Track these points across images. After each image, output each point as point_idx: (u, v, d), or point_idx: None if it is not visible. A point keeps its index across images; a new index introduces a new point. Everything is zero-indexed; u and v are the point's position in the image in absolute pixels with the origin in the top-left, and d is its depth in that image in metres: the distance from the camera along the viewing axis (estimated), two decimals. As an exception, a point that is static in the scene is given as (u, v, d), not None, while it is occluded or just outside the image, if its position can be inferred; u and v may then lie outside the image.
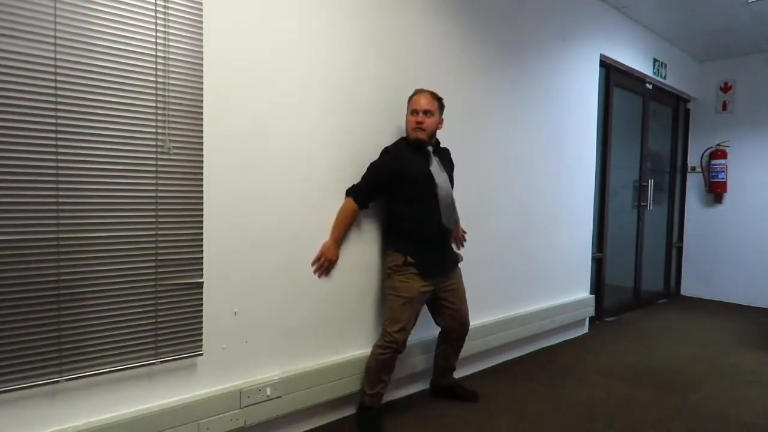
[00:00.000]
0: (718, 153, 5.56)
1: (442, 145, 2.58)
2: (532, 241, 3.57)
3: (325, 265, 2.34)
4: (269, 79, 2.10)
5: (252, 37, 2.04)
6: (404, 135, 2.49)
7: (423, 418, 2.50)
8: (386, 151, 2.43)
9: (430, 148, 2.45)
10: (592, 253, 4.25)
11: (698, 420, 2.58)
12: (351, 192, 2.39)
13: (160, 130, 1.78)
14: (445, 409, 2.61)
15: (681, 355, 3.68)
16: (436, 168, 2.42)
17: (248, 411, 2.04)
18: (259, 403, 2.07)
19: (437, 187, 2.38)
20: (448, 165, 2.56)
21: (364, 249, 2.50)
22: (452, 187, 2.49)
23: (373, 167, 2.40)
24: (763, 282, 5.33)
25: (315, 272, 2.33)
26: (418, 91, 2.44)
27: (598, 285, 4.49)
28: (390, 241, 2.48)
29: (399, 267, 2.37)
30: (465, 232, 2.87)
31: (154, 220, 1.78)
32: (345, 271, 2.43)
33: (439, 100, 2.45)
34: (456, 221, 2.53)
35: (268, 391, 2.10)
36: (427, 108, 2.39)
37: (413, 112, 2.40)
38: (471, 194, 3.07)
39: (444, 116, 2.54)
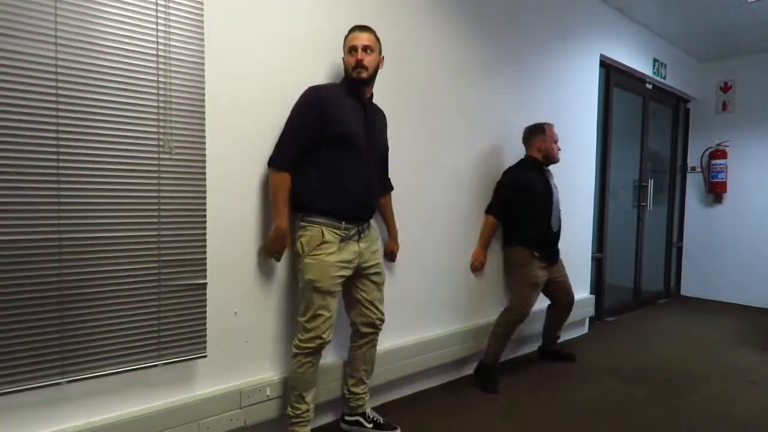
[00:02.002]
0: (718, 153, 5.56)
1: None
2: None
3: (478, 267, 3.12)
4: (271, 78, 2.10)
5: (253, 36, 2.04)
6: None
7: (424, 417, 2.50)
8: (512, 173, 3.14)
9: (548, 168, 3.18)
10: (592, 253, 4.25)
11: (698, 420, 2.58)
12: (491, 211, 3.14)
13: (162, 130, 1.78)
14: (445, 409, 2.61)
15: (681, 355, 3.68)
16: (551, 183, 3.16)
17: (248, 411, 2.04)
18: (259, 403, 2.07)
19: (553, 199, 3.12)
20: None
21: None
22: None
23: (504, 187, 3.13)
24: (763, 282, 5.33)
25: (473, 272, 3.11)
26: (551, 126, 3.15)
27: (598, 285, 4.49)
28: (514, 238, 3.14)
29: (526, 259, 3.05)
30: None
31: (156, 220, 1.78)
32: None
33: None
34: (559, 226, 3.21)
35: (268, 391, 2.10)
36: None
37: (555, 141, 3.14)
38: (472, 195, 3.08)
39: (443, 117, 2.79)
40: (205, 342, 1.91)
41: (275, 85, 2.12)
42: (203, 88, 1.88)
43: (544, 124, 3.16)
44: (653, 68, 4.91)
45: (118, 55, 1.67)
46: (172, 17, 1.78)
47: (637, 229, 5.13)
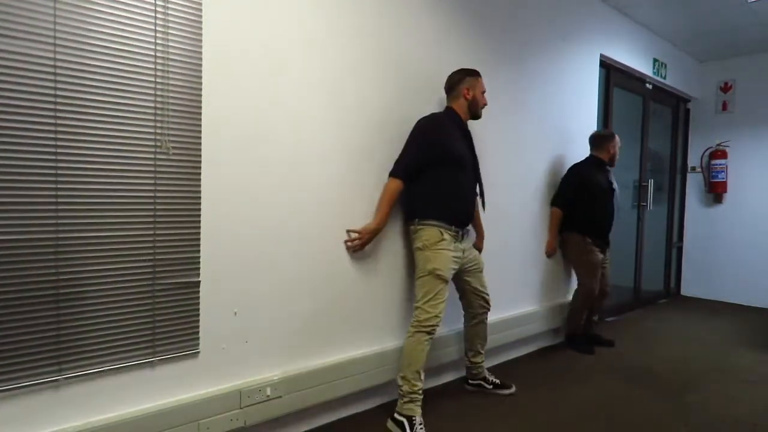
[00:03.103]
0: (718, 153, 5.56)
1: None
2: (533, 242, 3.57)
3: (552, 253, 3.66)
4: (269, 79, 2.10)
5: (251, 37, 2.04)
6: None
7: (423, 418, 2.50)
8: (578, 170, 3.61)
9: (610, 168, 3.68)
10: (592, 253, 4.24)
11: (698, 420, 2.58)
12: (557, 203, 3.63)
13: (158, 131, 1.78)
14: (445, 408, 2.61)
15: (681, 355, 3.67)
16: (613, 181, 3.67)
17: (248, 411, 2.04)
18: (259, 403, 2.07)
19: (615, 195, 3.66)
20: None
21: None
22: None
23: (569, 181, 3.61)
24: (763, 282, 5.33)
25: (548, 257, 3.67)
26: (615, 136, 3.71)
27: (598, 285, 4.48)
28: (573, 226, 3.62)
29: (585, 245, 3.59)
30: None
31: (152, 219, 1.78)
32: (346, 270, 2.43)
33: None
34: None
35: (268, 391, 2.10)
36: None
37: (619, 148, 3.70)
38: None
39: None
40: (198, 339, 1.91)
41: (272, 87, 2.12)
42: (200, 90, 1.88)
43: (612, 131, 3.75)
44: (653, 68, 4.91)
45: (116, 56, 1.67)
46: (170, 18, 1.78)
47: (637, 229, 5.13)
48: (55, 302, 1.59)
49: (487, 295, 2.73)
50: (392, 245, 2.62)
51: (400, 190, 2.45)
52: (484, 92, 2.65)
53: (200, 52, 1.87)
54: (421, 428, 2.28)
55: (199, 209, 1.90)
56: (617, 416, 2.60)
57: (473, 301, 2.72)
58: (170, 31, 1.78)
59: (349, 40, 2.39)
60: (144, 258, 1.77)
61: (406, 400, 2.33)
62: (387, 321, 2.63)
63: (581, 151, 4.00)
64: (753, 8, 4.19)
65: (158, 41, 1.76)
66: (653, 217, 5.36)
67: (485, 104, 2.66)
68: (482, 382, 2.84)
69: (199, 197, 1.90)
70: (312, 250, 2.29)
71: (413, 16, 2.67)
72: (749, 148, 5.44)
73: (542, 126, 3.60)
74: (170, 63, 1.79)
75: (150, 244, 1.78)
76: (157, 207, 1.79)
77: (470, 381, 2.88)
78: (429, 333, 2.37)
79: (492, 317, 2.89)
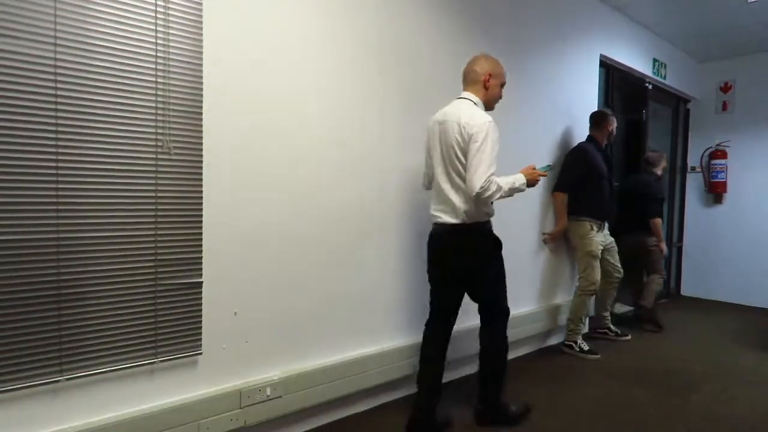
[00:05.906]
0: (718, 153, 5.56)
1: None
2: (533, 242, 3.58)
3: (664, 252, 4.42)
4: (269, 78, 2.11)
5: (252, 36, 2.04)
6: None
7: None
8: (652, 183, 4.39)
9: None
10: (592, 253, 4.25)
11: (698, 420, 2.58)
12: (659, 214, 4.32)
13: (160, 130, 1.78)
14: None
15: (681, 355, 3.68)
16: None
17: (248, 411, 2.04)
18: (259, 403, 2.07)
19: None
20: None
21: (354, 249, 2.51)
22: None
23: (660, 194, 4.37)
24: (763, 282, 5.33)
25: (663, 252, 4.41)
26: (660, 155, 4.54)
27: (598, 285, 4.49)
28: (646, 231, 4.31)
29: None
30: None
31: (153, 219, 1.78)
32: (347, 271, 2.43)
33: None
34: None
35: (268, 391, 2.10)
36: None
37: (663, 169, 4.54)
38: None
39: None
40: (200, 340, 1.92)
41: (273, 86, 2.12)
42: (201, 89, 1.88)
43: (663, 154, 4.51)
44: (653, 68, 4.91)
45: (117, 56, 1.68)
46: (171, 18, 1.78)
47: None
48: (57, 303, 1.59)
49: (620, 267, 3.84)
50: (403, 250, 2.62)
51: (566, 199, 3.58)
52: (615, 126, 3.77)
53: (201, 52, 1.87)
54: (583, 343, 3.55)
55: (201, 209, 1.90)
56: (617, 416, 2.60)
57: (610, 271, 3.81)
58: (171, 31, 1.78)
59: (349, 38, 2.39)
60: (146, 258, 1.77)
61: (571, 333, 3.58)
62: (387, 322, 2.63)
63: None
64: (753, 8, 4.19)
65: (159, 41, 1.76)
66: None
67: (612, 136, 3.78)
68: (607, 331, 4.00)
69: (201, 197, 1.90)
70: (315, 249, 2.29)
71: (414, 15, 2.67)
72: (749, 148, 5.44)
73: (542, 126, 3.60)
74: (171, 62, 1.79)
75: (152, 244, 1.78)
76: (159, 207, 1.79)
77: (598, 330, 4.01)
78: (590, 294, 3.60)
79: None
